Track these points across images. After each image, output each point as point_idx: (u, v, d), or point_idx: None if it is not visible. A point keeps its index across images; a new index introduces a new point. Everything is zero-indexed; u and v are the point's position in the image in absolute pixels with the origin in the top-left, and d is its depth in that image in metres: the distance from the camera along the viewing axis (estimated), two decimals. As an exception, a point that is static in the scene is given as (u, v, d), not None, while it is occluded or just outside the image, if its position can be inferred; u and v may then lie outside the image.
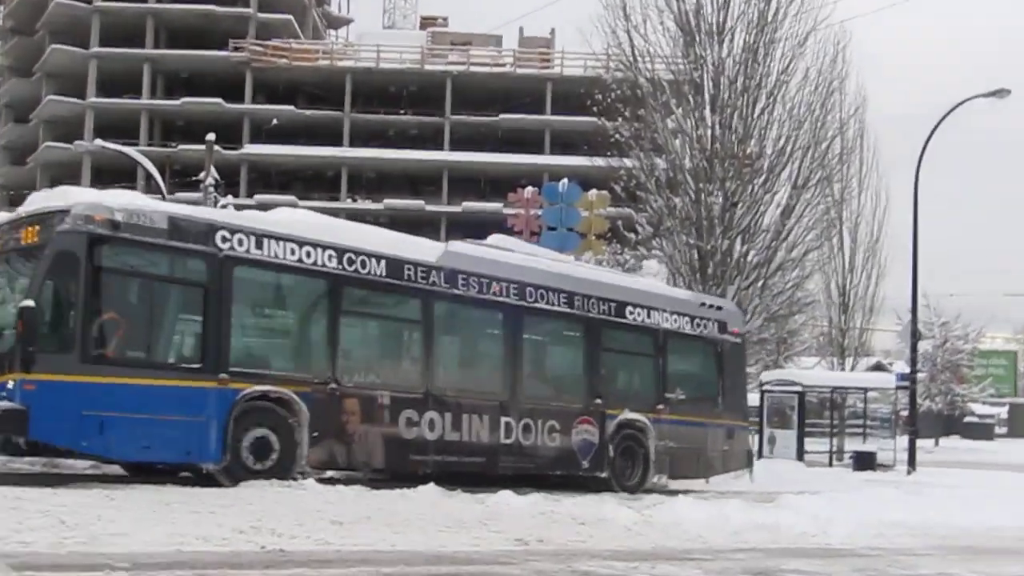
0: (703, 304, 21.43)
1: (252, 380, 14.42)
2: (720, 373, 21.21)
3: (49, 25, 77.64)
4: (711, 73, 27.41)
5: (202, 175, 39.15)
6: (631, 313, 19.60)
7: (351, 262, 15.76)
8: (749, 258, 27.60)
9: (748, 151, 27.70)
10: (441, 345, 17.31)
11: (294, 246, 15.18)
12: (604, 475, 18.65)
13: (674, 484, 20.29)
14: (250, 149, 75.04)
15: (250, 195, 72.32)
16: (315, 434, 14.84)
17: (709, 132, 27.41)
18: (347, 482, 15.23)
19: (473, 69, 77.31)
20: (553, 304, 18.42)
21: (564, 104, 69.44)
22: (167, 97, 77.06)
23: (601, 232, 35.35)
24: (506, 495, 13.85)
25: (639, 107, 28.02)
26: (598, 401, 18.82)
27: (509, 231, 40.75)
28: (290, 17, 78.74)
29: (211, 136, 40.89)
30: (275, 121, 75.39)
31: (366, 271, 15.95)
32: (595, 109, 29.12)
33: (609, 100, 28.23)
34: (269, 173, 76.32)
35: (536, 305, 18.13)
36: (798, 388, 31.93)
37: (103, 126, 71.54)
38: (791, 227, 27.90)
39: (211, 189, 38.02)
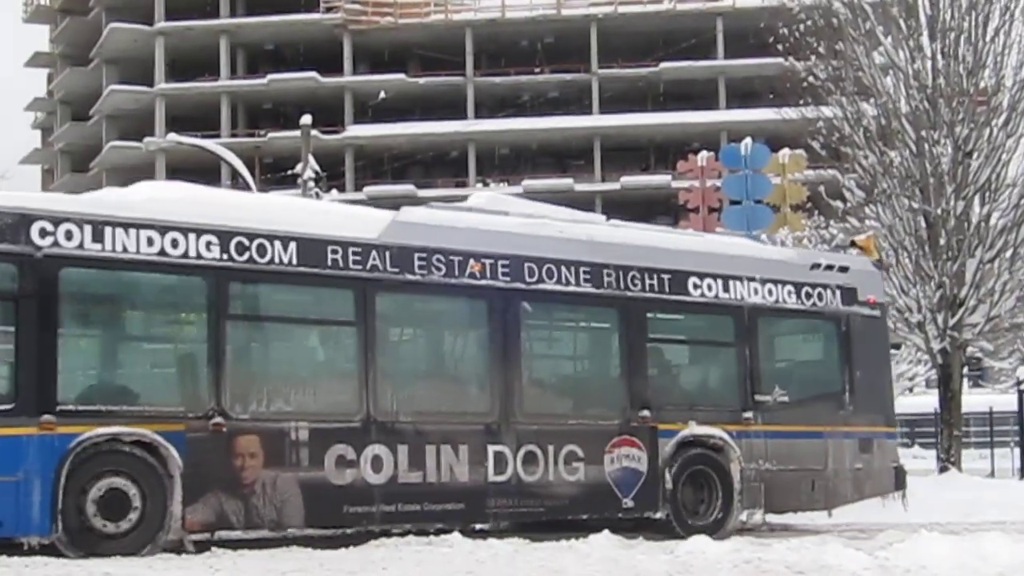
0: (817, 265, 19.41)
1: (93, 421, 13.17)
2: (847, 361, 19.36)
3: (105, 1, 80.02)
4: (928, -12, 27.08)
5: (298, 167, 39.80)
6: (696, 286, 17.85)
7: (242, 249, 14.39)
8: (992, 222, 27.11)
9: (982, 85, 27.19)
10: (389, 353, 15.75)
11: (153, 234, 13.84)
12: (660, 515, 16.95)
13: (777, 519, 18.76)
14: (355, 131, 76.35)
15: (359, 187, 73.43)
16: (193, 487, 13.58)
17: (929, 64, 27.06)
18: (497, 533, 15.25)
19: (622, 9, 77.28)
20: (569, 283, 16.79)
21: (740, 44, 68.80)
22: (250, 75, 78.87)
23: (799, 202, 34.89)
24: (701, 542, 13.76)
25: (837, 40, 27.80)
26: (645, 413, 17.01)
27: (682, 209, 40.69)
28: (390, -36, 79.68)
29: (307, 119, 41.60)
30: (383, 95, 76.28)
31: (267, 259, 14.51)
32: (780, 47, 28.90)
33: (797, 34, 28.04)
34: (380, 159, 77.40)
35: (540, 286, 16.54)
36: (1069, 383, 31.06)
37: (177, 116, 73.64)
38: (1046, 177, 27.34)
39: (311, 183, 38.68)
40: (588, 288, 16.93)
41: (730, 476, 17.59)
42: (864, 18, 27.56)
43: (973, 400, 35.80)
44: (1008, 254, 27.10)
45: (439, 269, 15.74)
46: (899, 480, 19.72)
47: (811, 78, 28.00)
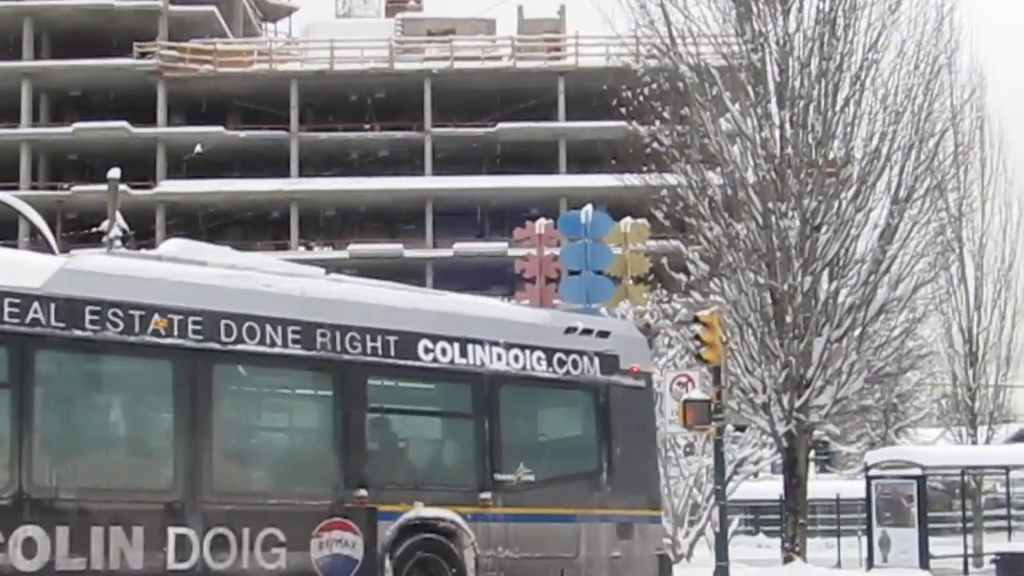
0: (573, 329, 18.57)
1: None
2: (605, 436, 18.41)
3: None
4: (776, 54, 27.54)
5: (104, 224, 39.09)
6: (428, 350, 16.91)
7: None
8: (841, 299, 27.50)
9: (831, 156, 27.68)
10: (50, 420, 14.31)
11: None
12: None
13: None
14: (167, 187, 75.55)
15: (170, 248, 72.27)
16: None
17: (777, 133, 27.47)
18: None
19: (459, 65, 77.83)
20: (275, 344, 15.68)
21: (582, 106, 69.73)
22: (54, 123, 77.63)
23: (641, 274, 35.25)
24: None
25: (682, 104, 28.08)
26: (362, 493, 15.84)
27: (518, 278, 40.83)
28: (212, 9, 79.25)
29: (115, 172, 40.93)
30: (199, 148, 75.38)
31: None
32: (624, 110, 29.16)
33: (642, 97, 28.29)
34: (195, 217, 76.45)
35: (239, 347, 15.42)
36: (917, 471, 31.67)
37: (-29, 166, 71.90)
38: (894, 254, 27.83)
39: (117, 242, 38.01)
40: (298, 350, 15.88)
41: (463, 565, 16.53)
42: (711, 83, 27.88)
43: (820, 486, 36.40)
44: (856, 333, 27.45)
45: (115, 325, 14.53)
46: (663, 570, 18.82)
47: (655, 144, 28.18)
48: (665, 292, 32.79)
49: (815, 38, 27.35)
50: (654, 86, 28.36)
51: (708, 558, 26.82)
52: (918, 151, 27.89)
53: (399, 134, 77.65)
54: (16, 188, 67.16)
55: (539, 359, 17.99)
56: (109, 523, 14.02)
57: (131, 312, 14.66)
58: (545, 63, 78.45)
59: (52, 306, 14.12)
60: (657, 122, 28.35)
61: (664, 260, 31.06)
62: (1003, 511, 34.86)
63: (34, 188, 72.16)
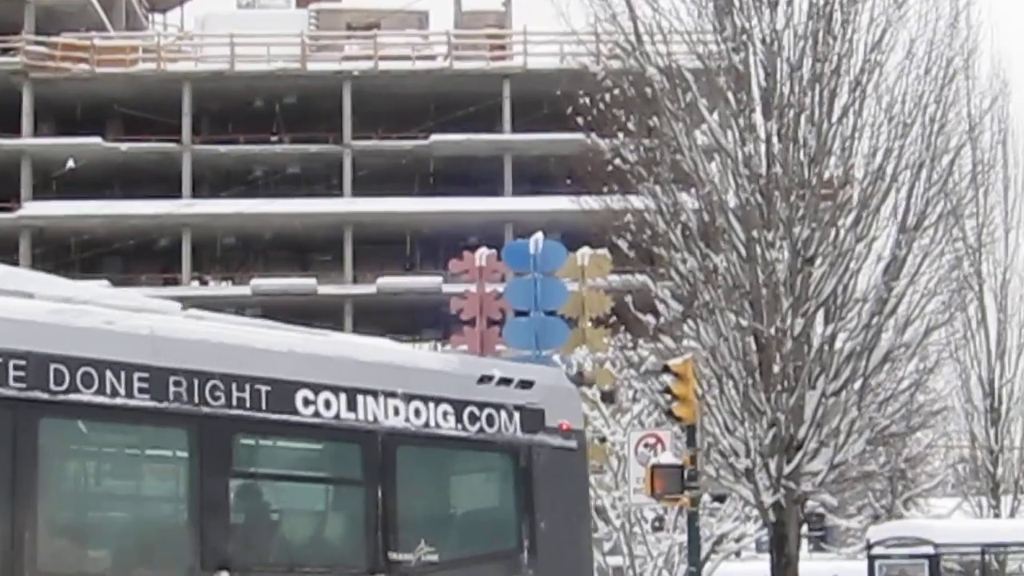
0: (488, 378, 17.55)
1: None
2: (527, 507, 17.42)
3: None
4: (761, 55, 27.64)
5: (-43, 254, 38.98)
6: (309, 402, 15.89)
7: None
8: (838, 345, 27.59)
9: (827, 176, 27.82)
10: None
11: None
12: None
13: None
14: (33, 209, 75.37)
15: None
16: None
17: (763, 149, 27.50)
18: None
19: (384, 66, 78.21)
20: (117, 393, 14.79)
21: (531, 114, 70.01)
22: (-102, 132, 77.29)
23: (601, 315, 35.36)
24: None
25: (651, 114, 28.16)
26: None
27: (454, 320, 40.86)
28: (89, -2, 79.35)
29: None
30: (72, 163, 75.31)
31: None
32: (581, 120, 29.17)
33: (603, 105, 28.32)
34: (67, 246, 76.28)
35: (71, 397, 14.55)
36: (929, 549, 31.87)
37: None
38: (901, 292, 27.97)
39: (-28, 276, 37.81)
40: (145, 401, 14.75)
41: None
42: (684, 88, 27.87)
43: (814, 567, 36.44)
44: (856, 385, 27.50)
45: None
46: None
47: (618, 160, 28.20)
48: (630, 336, 32.80)
49: (808, 36, 27.46)
50: (617, 92, 28.36)
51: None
52: (929, 170, 28.05)
53: (313, 147, 77.82)
54: None
55: (446, 414, 16.94)
56: None
57: None
58: (487, 63, 78.93)
59: None
60: (620, 134, 28.35)
61: (628, 298, 31.12)
62: (1031, 597, 35.11)
63: None
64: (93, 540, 15.44)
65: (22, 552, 13.92)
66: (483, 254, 39.67)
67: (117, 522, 15.78)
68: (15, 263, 70.18)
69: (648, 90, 28.06)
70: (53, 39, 77.44)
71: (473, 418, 17.01)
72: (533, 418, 17.48)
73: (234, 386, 15.35)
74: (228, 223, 76.94)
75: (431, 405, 16.75)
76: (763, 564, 31.02)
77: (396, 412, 16.45)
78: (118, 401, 14.60)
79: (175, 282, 74.70)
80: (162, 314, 16.16)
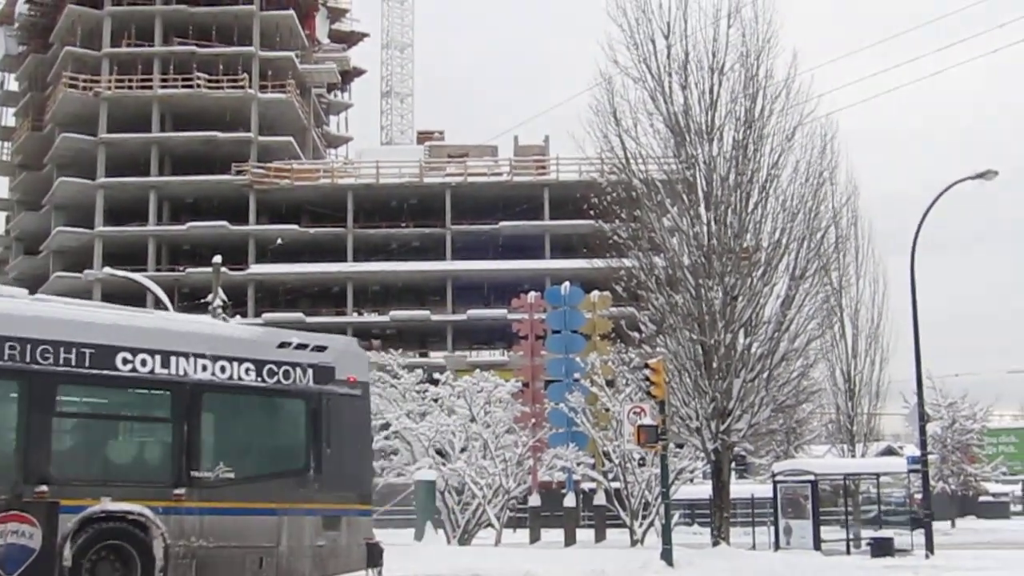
0: (287, 344, 16.35)
1: None
2: (316, 439, 16.16)
3: (56, 158, 78.58)
4: (703, 171, 27.45)
5: (210, 296, 39.24)
6: (127, 361, 14.75)
7: None
8: (753, 350, 27.36)
9: (745, 245, 27.65)
10: None
11: None
12: None
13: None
14: (256, 269, 75.49)
15: (258, 314, 72.54)
16: None
17: (705, 228, 27.36)
18: None
19: (471, 179, 78.12)
20: None
21: (561, 209, 69.97)
22: (173, 222, 77.75)
23: (605, 332, 35.30)
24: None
25: (635, 208, 28.01)
26: (42, 488, 13.78)
27: (514, 336, 40.79)
28: (290, 139, 79.71)
29: (217, 258, 41.12)
30: (279, 241, 75.88)
31: None
32: (592, 212, 29.13)
33: (605, 203, 28.25)
34: (276, 291, 76.62)
35: None
36: (810, 477, 31.57)
37: (112, 254, 72.18)
38: (792, 317, 27.72)
39: (219, 310, 38.07)
40: None
41: (152, 553, 14.36)
42: (656, 192, 27.79)
43: (739, 489, 36.15)
44: (765, 376, 27.37)
45: None
46: (372, 557, 16.52)
47: (615, 236, 28.02)
48: (624, 346, 32.72)
49: (732, 159, 27.32)
50: (614, 194, 28.27)
51: (656, 543, 26.66)
52: (809, 241, 27.84)
53: (427, 230, 77.74)
54: (144, 270, 67.32)
55: (247, 370, 15.71)
56: None
57: None
58: (534, 177, 78.65)
59: None
60: (617, 220, 28.29)
61: (623, 322, 31.08)
62: (874, 507, 34.69)
63: (158, 270, 72.18)
64: None
65: None
66: (532, 295, 39.64)
67: None
68: (245, 303, 70.64)
69: (633, 193, 27.98)
70: (268, 165, 77.88)
71: (272, 373, 15.92)
72: (324, 373, 16.35)
73: (61, 349, 14.27)
74: (375, 278, 77.16)
75: (235, 364, 15.60)
76: (707, 487, 30.86)
77: (204, 369, 15.29)
78: None
79: (343, 313, 74.94)
80: (8, 298, 15.19)
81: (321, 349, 16.47)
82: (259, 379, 15.71)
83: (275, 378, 15.85)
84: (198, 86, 77.41)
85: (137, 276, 46.56)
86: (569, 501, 37.99)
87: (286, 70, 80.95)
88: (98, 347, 14.49)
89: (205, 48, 78.73)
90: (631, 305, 29.81)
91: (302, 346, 16.32)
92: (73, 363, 14.27)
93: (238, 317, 49.45)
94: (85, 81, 77.17)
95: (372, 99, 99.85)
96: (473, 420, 34.68)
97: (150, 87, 77.81)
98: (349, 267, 76.47)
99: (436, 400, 36.51)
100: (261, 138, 78.61)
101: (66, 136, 76.89)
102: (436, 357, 70.29)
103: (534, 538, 37.71)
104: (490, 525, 33.46)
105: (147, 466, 15.47)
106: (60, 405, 14.37)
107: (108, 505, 14.10)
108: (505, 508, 33.98)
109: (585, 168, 46.07)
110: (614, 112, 27.69)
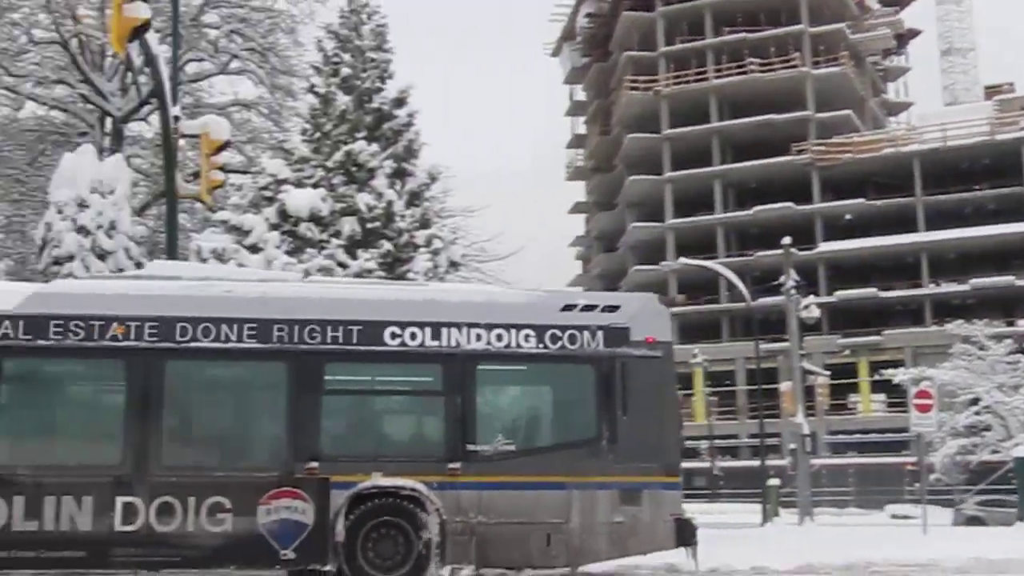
0: (571, 306, 15.23)
1: None
2: (609, 406, 14.79)
3: (625, 158, 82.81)
4: None
5: (781, 278, 39.39)
6: (396, 335, 14.40)
7: None
8: None
9: None
10: (9, 411, 14.04)
11: None
12: (331, 567, 13.70)
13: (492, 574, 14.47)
14: (825, 247, 74.57)
15: (830, 292, 71.90)
16: None
17: None
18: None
19: (1047, 131, 71.91)
20: (229, 339, 14.02)
21: None
22: (739, 208, 78.88)
23: None
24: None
25: None
26: (312, 465, 13.84)
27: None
28: (848, 112, 78.24)
29: (786, 239, 41.06)
30: (848, 216, 74.63)
31: None
32: None
33: None
34: (846, 268, 75.28)
35: (192, 344, 13.97)
36: None
37: (682, 244, 74.97)
38: None
39: (792, 291, 38.04)
40: (253, 344, 14.09)
41: (428, 528, 13.97)
42: None
43: None
44: None
45: (76, 334, 13.76)
46: (682, 535, 14.82)
47: None
48: None
49: None
50: None
51: None
52: None
53: (1004, 190, 72.59)
54: (715, 257, 69.03)
55: (527, 337, 14.74)
56: (61, 493, 13.46)
57: (91, 322, 13.91)
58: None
59: (20, 323, 13.80)
60: None
61: None
62: None
63: (728, 256, 73.46)
64: (207, 443, 14.73)
65: (149, 453, 13.91)
66: None
67: (218, 431, 14.92)
68: (815, 282, 70.09)
69: None
70: (828, 141, 76.88)
71: (555, 338, 14.80)
72: (617, 335, 14.97)
73: (328, 328, 14.30)
74: (949, 246, 72.88)
75: (512, 331, 14.73)
76: None
77: (478, 338, 14.62)
78: (229, 345, 14.11)
79: (918, 285, 72.42)
80: (278, 283, 15.42)
81: (612, 309, 15.33)
82: (540, 346, 14.85)
83: (559, 343, 14.90)
84: (751, 71, 78.07)
85: (709, 263, 47.79)
86: None
87: (838, 42, 79.40)
88: (365, 323, 14.51)
89: (755, 33, 79.21)
90: None
91: (590, 307, 15.29)
92: (340, 341, 14.41)
93: (811, 296, 48.99)
94: (645, 82, 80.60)
95: (931, 59, 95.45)
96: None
97: (705, 79, 79.60)
98: (921, 237, 73.32)
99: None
100: (818, 115, 77.63)
101: (632, 136, 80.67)
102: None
103: None
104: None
105: (419, 441, 15.28)
106: (329, 383, 14.51)
107: (380, 480, 14.05)
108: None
109: None
110: None
